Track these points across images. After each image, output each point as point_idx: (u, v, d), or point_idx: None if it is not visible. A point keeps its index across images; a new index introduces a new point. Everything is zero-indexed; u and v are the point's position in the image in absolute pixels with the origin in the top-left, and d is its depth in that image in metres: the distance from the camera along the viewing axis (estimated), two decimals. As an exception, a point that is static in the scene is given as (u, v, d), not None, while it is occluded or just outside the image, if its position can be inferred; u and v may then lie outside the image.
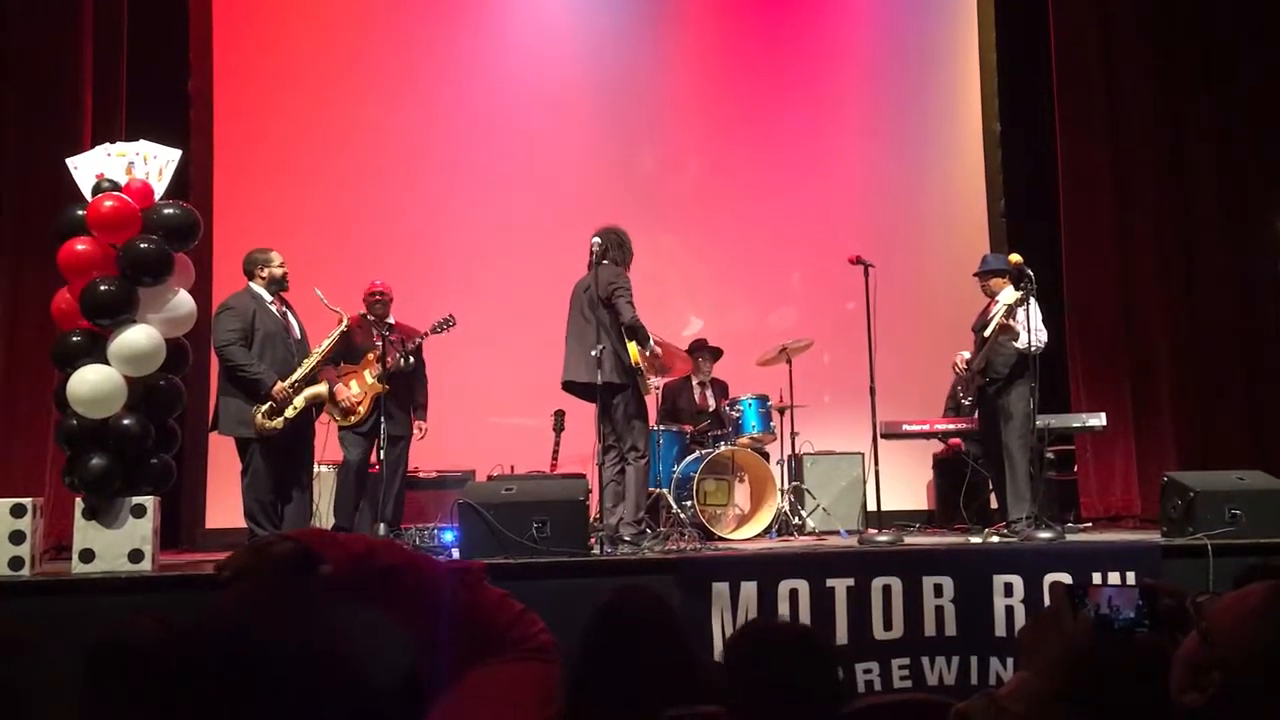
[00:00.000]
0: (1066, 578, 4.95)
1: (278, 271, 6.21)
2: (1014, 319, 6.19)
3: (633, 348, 6.07)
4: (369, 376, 6.37)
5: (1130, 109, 8.11)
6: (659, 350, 6.26)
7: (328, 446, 6.57)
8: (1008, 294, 6.34)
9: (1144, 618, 1.48)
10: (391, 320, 6.72)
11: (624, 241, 6.27)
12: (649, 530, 6.22)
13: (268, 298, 6.17)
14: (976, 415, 6.80)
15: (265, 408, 5.90)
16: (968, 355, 6.68)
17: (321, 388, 6.13)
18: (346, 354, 6.52)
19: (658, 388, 7.00)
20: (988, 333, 6.39)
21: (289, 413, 5.95)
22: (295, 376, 6.03)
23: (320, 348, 6.21)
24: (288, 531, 1.32)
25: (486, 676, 1.41)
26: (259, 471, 5.93)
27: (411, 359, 6.55)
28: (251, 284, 6.19)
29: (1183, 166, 8.07)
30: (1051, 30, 8.26)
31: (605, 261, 6.09)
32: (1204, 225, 8.01)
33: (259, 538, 5.76)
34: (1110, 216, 8.06)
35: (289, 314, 6.29)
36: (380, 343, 6.32)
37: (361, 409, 6.38)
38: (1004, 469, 6.36)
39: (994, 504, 7.01)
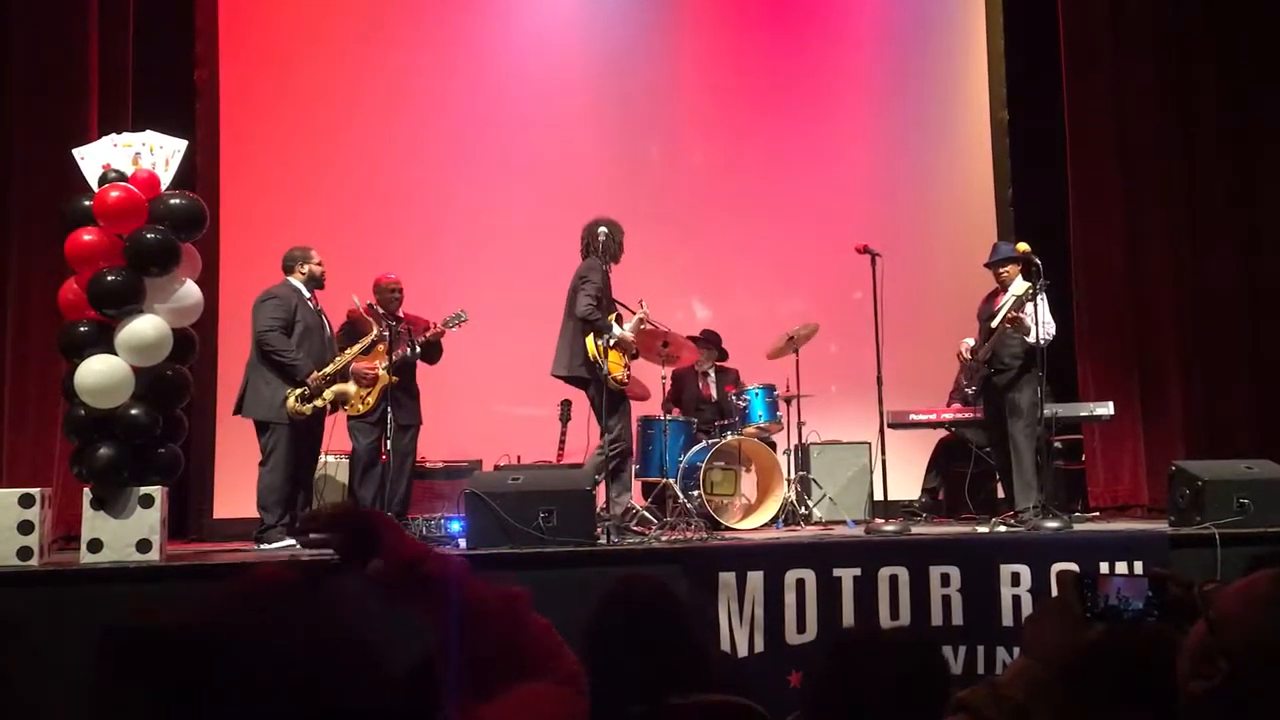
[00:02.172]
0: (1074, 567, 4.94)
1: (316, 269, 6.41)
2: (1023, 311, 6.16)
3: (590, 341, 6.18)
4: (380, 367, 6.38)
5: (1140, 96, 8.07)
6: (630, 338, 6.29)
7: (334, 436, 6.60)
8: (1018, 285, 6.31)
9: (1153, 608, 1.48)
10: (400, 313, 6.70)
11: (610, 234, 6.37)
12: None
13: (306, 293, 6.36)
14: (982, 404, 6.78)
15: (298, 392, 6.03)
16: (971, 342, 6.66)
17: (349, 387, 6.25)
18: (355, 343, 6.52)
19: (663, 376, 6.99)
20: (995, 323, 6.37)
21: (318, 402, 6.09)
22: (328, 370, 6.17)
23: (353, 350, 6.33)
24: (366, 508, 1.34)
25: (527, 694, 1.44)
26: (280, 459, 6.04)
27: (418, 349, 6.55)
28: (290, 278, 6.36)
29: (1193, 153, 8.03)
30: (1060, 16, 8.21)
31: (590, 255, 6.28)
32: (1214, 213, 7.97)
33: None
34: (1119, 205, 8.03)
35: (323, 311, 6.46)
36: (387, 333, 6.32)
37: (370, 399, 6.39)
38: (1008, 456, 6.35)
39: (1000, 493, 6.99)
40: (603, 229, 6.37)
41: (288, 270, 6.39)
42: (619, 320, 6.41)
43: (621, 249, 6.37)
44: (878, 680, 1.83)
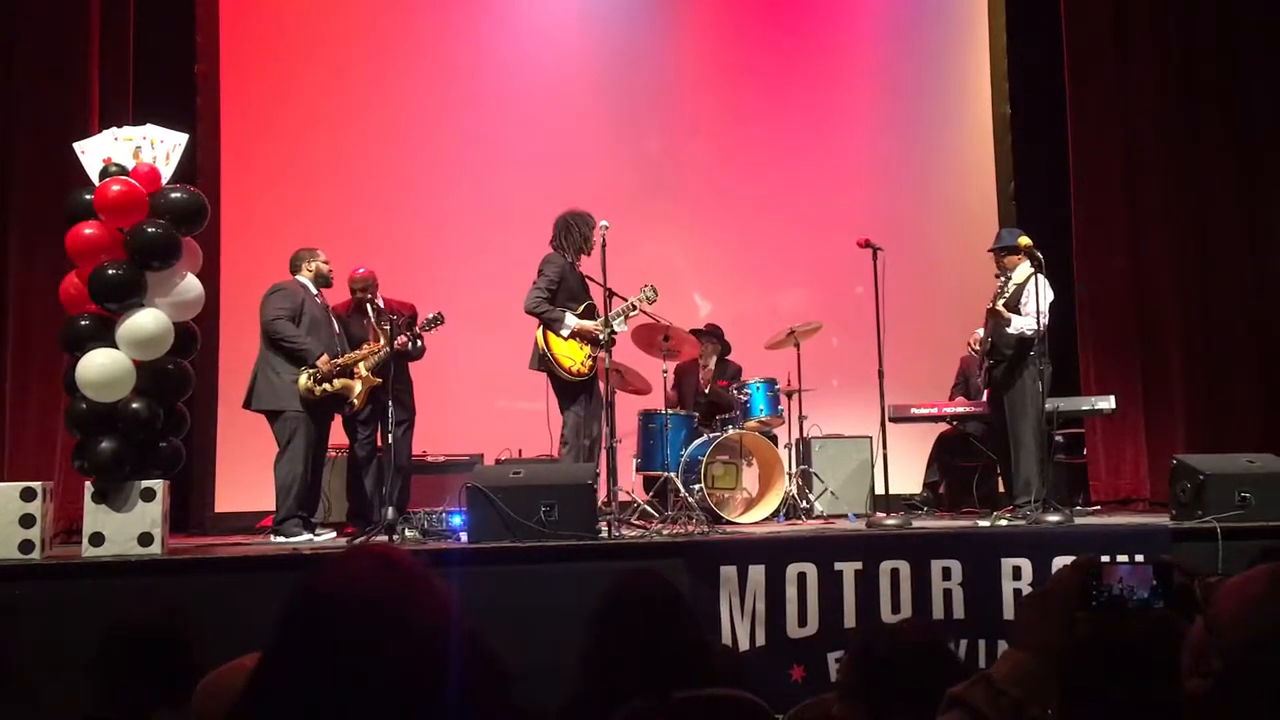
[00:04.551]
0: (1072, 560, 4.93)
1: (324, 267, 6.51)
2: (1001, 304, 6.18)
3: (538, 334, 6.28)
4: (363, 367, 6.36)
5: (1142, 89, 8.04)
6: (589, 327, 6.31)
7: (333, 433, 6.61)
8: (1020, 273, 6.31)
9: (1158, 597, 1.47)
10: (380, 302, 6.67)
11: (571, 226, 6.39)
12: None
13: (313, 290, 6.44)
14: (986, 396, 6.78)
15: (310, 372, 6.10)
16: (982, 333, 6.66)
17: (354, 384, 6.26)
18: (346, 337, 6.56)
19: (665, 371, 6.99)
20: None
21: (328, 386, 6.14)
22: (338, 361, 6.24)
23: (361, 351, 6.37)
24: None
25: None
26: (299, 447, 6.09)
27: (420, 341, 6.56)
28: (298, 277, 6.45)
29: (1197, 146, 8.00)
30: (1062, 11, 8.19)
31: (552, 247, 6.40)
32: (1218, 206, 7.95)
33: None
34: (1122, 198, 8.01)
35: (329, 308, 6.53)
36: (389, 327, 6.30)
37: (357, 401, 6.39)
38: (1009, 450, 6.35)
39: (1002, 487, 6.98)
40: (567, 222, 6.42)
41: (294, 269, 6.49)
42: (590, 311, 6.40)
43: (588, 241, 6.37)
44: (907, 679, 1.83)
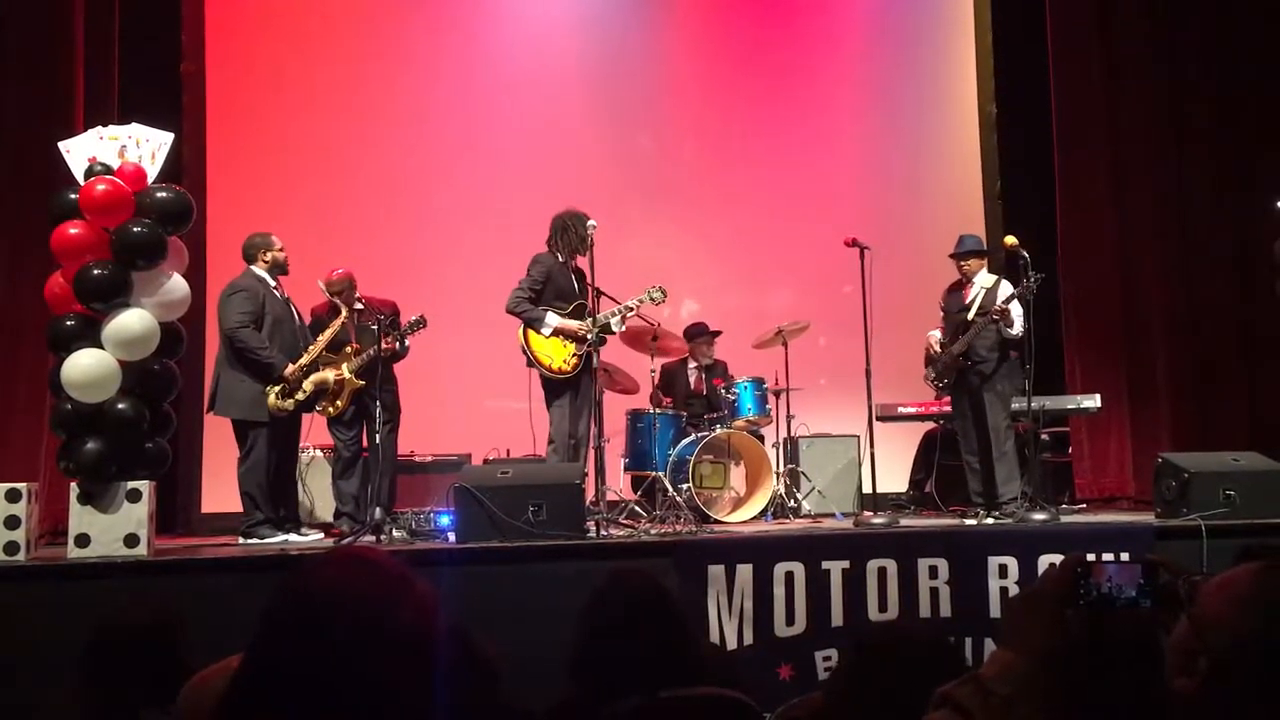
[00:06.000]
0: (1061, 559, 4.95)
1: (280, 255, 6.29)
2: (1009, 304, 6.19)
3: (519, 332, 6.32)
4: (346, 370, 6.28)
5: (1128, 89, 8.08)
6: (572, 327, 6.32)
7: (321, 432, 6.57)
8: (984, 277, 6.39)
9: (1145, 595, 1.47)
10: (360, 303, 6.51)
11: (568, 227, 6.38)
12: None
13: (271, 281, 6.26)
14: (953, 398, 6.75)
15: (278, 388, 5.99)
16: (939, 335, 6.67)
17: (326, 375, 6.18)
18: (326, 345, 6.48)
19: (653, 370, 6.99)
20: (971, 315, 6.40)
21: (299, 395, 6.04)
22: (303, 361, 6.12)
23: (322, 337, 6.25)
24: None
25: None
26: (260, 457, 6.01)
27: (406, 342, 6.51)
28: (253, 267, 6.25)
29: (1182, 146, 8.04)
30: (1048, 10, 8.23)
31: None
32: (1202, 205, 7.98)
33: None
34: (1107, 198, 8.04)
35: (289, 300, 6.36)
36: (374, 328, 6.24)
37: (340, 402, 6.31)
38: (985, 449, 6.38)
39: (972, 485, 6.94)
40: (564, 222, 6.41)
41: (250, 259, 6.24)
42: (579, 311, 6.39)
43: (583, 241, 6.34)
44: (903, 676, 1.82)
